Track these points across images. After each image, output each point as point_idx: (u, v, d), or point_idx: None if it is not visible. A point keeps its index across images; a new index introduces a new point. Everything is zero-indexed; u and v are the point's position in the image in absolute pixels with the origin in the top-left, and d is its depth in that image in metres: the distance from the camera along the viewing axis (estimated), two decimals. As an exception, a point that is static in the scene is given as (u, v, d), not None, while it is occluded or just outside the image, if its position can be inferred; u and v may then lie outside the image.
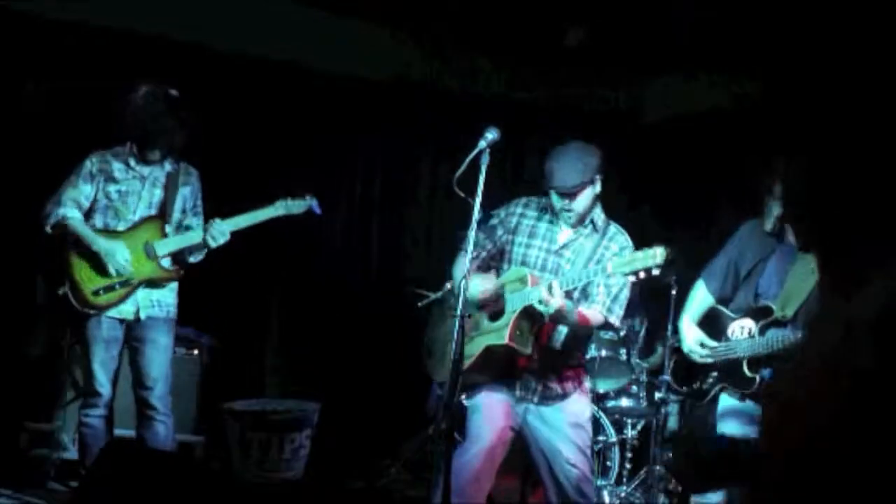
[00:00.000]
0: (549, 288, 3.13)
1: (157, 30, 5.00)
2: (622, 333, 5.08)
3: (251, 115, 5.37)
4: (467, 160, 3.08)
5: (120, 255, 3.88)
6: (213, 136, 5.21)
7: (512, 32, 5.59)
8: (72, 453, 4.45)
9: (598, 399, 4.83)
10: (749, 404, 3.29)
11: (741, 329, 3.29)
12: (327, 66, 5.49)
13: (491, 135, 3.10)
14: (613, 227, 3.45)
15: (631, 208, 5.23)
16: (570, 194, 3.34)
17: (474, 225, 3.06)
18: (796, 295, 3.18)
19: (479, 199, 3.04)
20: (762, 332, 3.23)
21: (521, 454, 3.54)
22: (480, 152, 3.08)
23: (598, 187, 3.40)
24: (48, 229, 3.89)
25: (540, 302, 3.14)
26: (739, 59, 5.48)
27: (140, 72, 4.89)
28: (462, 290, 3.02)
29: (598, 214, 3.46)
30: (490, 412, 3.42)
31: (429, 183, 6.02)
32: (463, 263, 3.22)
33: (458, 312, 3.00)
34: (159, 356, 3.95)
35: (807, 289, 3.14)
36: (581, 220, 3.42)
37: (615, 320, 3.34)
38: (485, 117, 3.26)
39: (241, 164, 5.22)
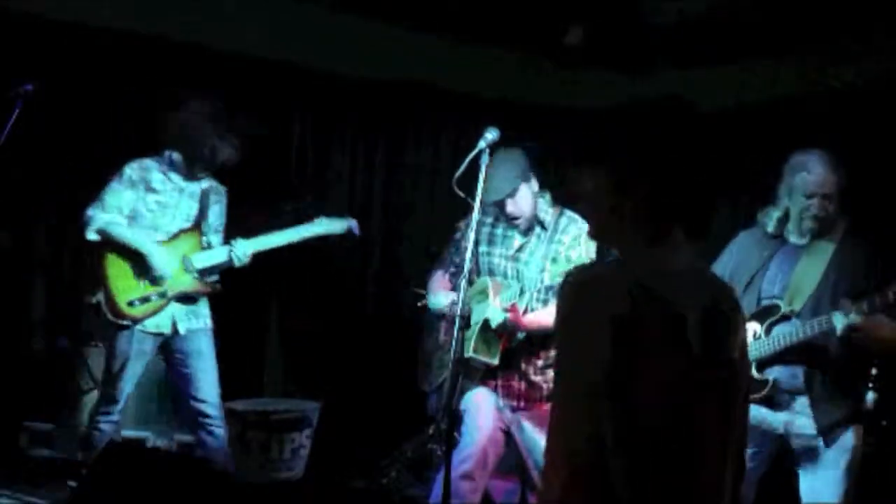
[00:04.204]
0: (504, 321, 3.22)
1: (156, 30, 5.00)
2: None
3: (250, 115, 5.36)
4: (467, 160, 3.09)
5: (167, 259, 3.86)
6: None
7: (512, 31, 5.58)
8: (71, 453, 4.45)
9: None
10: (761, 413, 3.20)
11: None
12: (327, 66, 5.49)
13: (491, 135, 3.11)
14: (565, 218, 3.47)
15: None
16: (507, 201, 3.40)
17: (474, 225, 3.07)
18: (804, 288, 3.12)
19: (479, 199, 3.05)
20: (768, 331, 3.14)
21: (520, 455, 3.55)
22: (480, 152, 3.09)
23: (534, 185, 3.46)
24: (91, 235, 3.84)
25: (500, 325, 3.29)
26: (741, 57, 5.48)
27: (140, 72, 4.91)
28: (462, 289, 3.03)
29: (545, 210, 3.49)
30: (479, 413, 3.46)
31: (428, 183, 6.01)
32: (438, 277, 3.31)
33: (459, 312, 3.01)
34: (207, 366, 3.95)
35: (814, 281, 3.11)
36: (531, 223, 3.47)
37: None
38: (485, 117, 3.26)
39: (240, 164, 5.21)
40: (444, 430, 3.02)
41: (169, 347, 3.95)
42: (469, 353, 3.33)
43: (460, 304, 3.02)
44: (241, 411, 4.55)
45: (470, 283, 3.56)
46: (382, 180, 5.93)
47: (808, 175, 3.14)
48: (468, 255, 3.07)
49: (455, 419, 3.19)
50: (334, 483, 4.81)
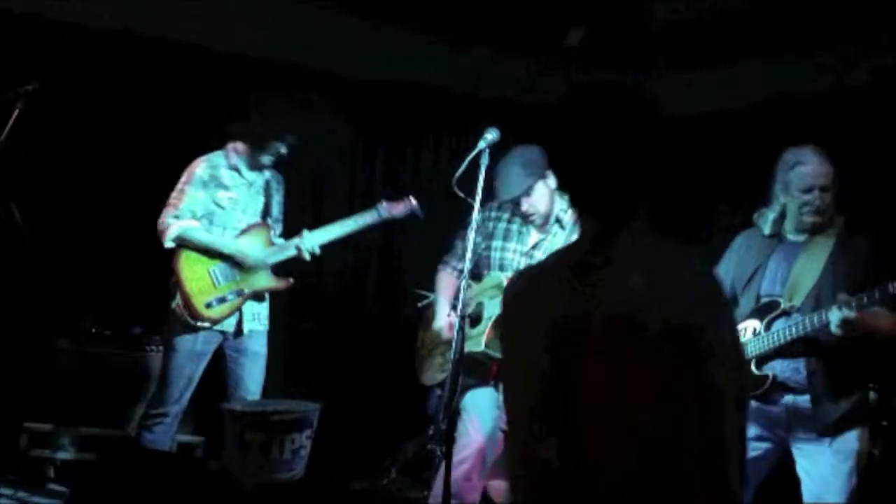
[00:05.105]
0: None
1: (156, 30, 5.00)
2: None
3: (250, 116, 5.35)
4: (467, 161, 3.09)
5: (255, 250, 3.85)
6: (211, 136, 5.19)
7: (512, 32, 5.58)
8: (71, 453, 4.45)
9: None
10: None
11: (744, 330, 3.17)
12: (327, 66, 5.49)
13: (491, 135, 3.11)
14: None
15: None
16: (523, 199, 3.38)
17: (474, 226, 3.07)
18: (804, 283, 3.10)
19: (478, 200, 3.05)
20: (768, 327, 3.12)
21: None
22: (480, 153, 3.09)
23: (551, 182, 3.42)
24: (169, 243, 3.80)
25: None
26: (741, 57, 5.48)
27: (140, 72, 4.91)
28: (463, 289, 3.02)
29: (564, 209, 3.47)
30: (479, 413, 3.45)
31: (428, 183, 6.01)
32: (445, 277, 3.29)
33: (459, 312, 3.01)
34: (258, 368, 3.96)
35: (814, 277, 3.09)
36: (547, 220, 3.45)
37: None
38: (485, 117, 3.26)
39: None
40: (445, 430, 3.01)
41: (227, 345, 3.93)
42: (481, 348, 3.33)
43: (461, 305, 3.02)
44: (240, 412, 4.55)
45: (476, 279, 3.57)
46: (382, 180, 5.93)
47: (804, 168, 3.12)
48: (468, 256, 3.07)
49: (455, 419, 3.18)
50: (334, 484, 4.80)
